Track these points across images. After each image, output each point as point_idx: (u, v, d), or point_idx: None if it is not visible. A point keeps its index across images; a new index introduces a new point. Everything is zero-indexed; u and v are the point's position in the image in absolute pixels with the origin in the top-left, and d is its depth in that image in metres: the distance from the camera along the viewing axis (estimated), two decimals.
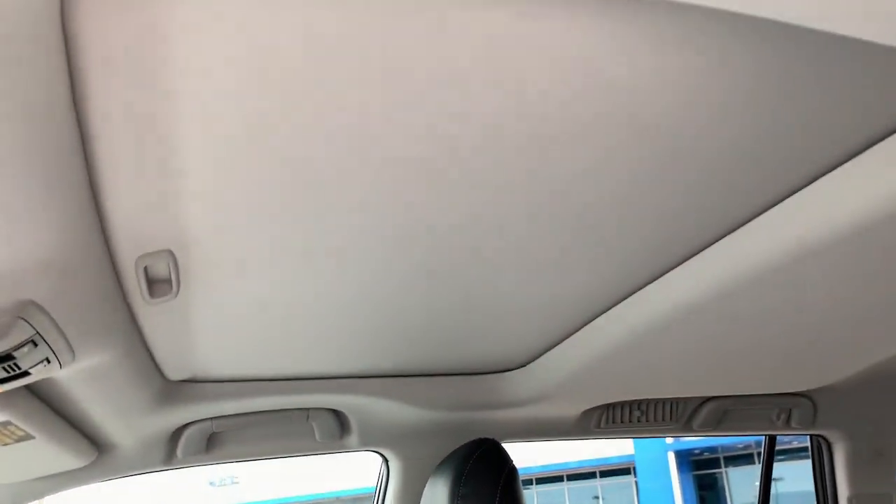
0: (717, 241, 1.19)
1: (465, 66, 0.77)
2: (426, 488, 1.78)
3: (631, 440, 20.73)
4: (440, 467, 1.76)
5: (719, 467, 21.34)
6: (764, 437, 2.47)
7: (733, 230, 1.16)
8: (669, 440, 20.91)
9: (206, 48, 0.72)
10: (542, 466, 20.77)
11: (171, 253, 1.08)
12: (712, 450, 20.77)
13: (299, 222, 1.07)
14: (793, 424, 2.24)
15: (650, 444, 20.49)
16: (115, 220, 0.97)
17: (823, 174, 1.00)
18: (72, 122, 0.77)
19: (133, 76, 0.74)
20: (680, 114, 0.87)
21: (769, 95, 0.84)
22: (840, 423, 2.29)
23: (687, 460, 21.44)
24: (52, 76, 0.69)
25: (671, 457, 21.01)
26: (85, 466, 1.75)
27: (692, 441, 21.00)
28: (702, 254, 1.23)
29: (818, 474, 2.43)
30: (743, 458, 19.91)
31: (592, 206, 1.06)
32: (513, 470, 1.69)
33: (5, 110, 0.67)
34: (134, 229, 1.00)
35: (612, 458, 21.41)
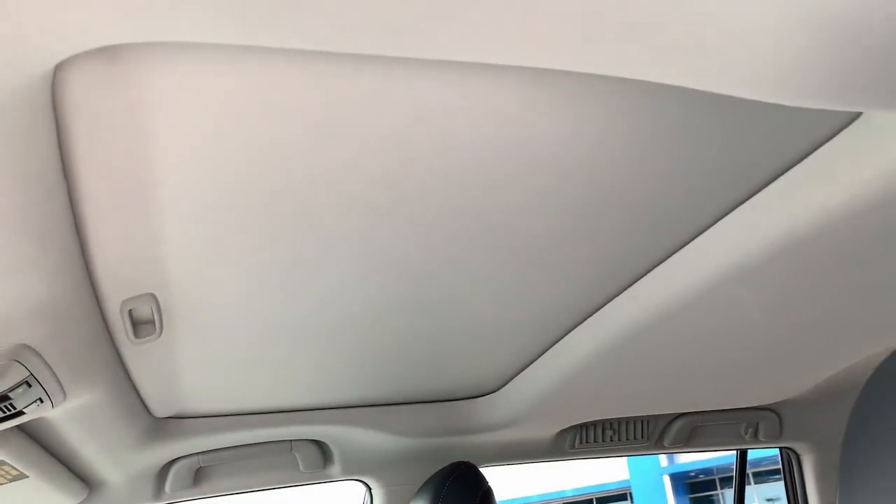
0: (655, 266, 1.30)
1: (405, 126, 0.88)
2: None
3: (626, 465, 20.71)
4: (419, 492, 1.83)
5: (715, 489, 21.29)
6: (735, 452, 2.55)
7: (669, 256, 1.26)
8: (664, 463, 20.89)
9: (179, 118, 0.82)
10: (539, 496, 20.66)
11: (153, 296, 1.17)
12: (707, 471, 20.76)
13: (273, 265, 1.16)
14: (760, 438, 2.32)
15: (646, 468, 20.46)
16: (100, 267, 1.06)
17: (746, 199, 1.11)
18: (61, 182, 0.86)
19: (116, 143, 0.84)
20: (598, 160, 0.98)
21: (676, 139, 0.95)
22: (806, 436, 2.37)
23: (682, 483, 21.40)
24: (43, 143, 0.79)
25: (667, 480, 20.97)
26: None
27: (687, 463, 20.98)
28: (644, 278, 1.33)
29: (789, 487, 2.52)
30: None
31: (537, 237, 1.16)
32: (488, 491, 1.77)
33: (2, 172, 0.77)
34: (118, 275, 1.09)
35: (608, 484, 21.34)
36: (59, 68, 0.71)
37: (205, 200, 0.97)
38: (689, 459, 20.62)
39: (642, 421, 2.20)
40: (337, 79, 0.79)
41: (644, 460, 20.50)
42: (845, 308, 1.40)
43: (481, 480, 1.78)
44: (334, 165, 0.93)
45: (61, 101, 0.76)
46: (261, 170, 0.93)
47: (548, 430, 2.11)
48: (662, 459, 20.79)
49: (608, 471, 20.89)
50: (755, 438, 2.33)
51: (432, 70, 0.79)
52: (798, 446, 2.44)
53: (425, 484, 1.84)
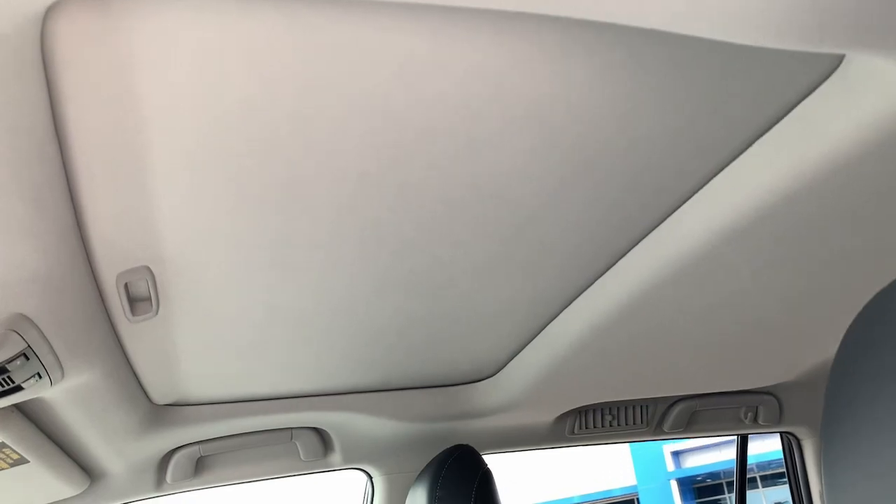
0: (643, 237, 1.31)
1: (386, 83, 0.89)
2: (407, 498, 1.86)
3: (633, 471, 20.64)
4: (419, 476, 1.84)
5: (723, 493, 21.21)
6: (736, 440, 2.55)
7: (657, 224, 1.27)
8: (671, 468, 20.83)
9: (168, 74, 0.84)
10: (546, 503, 20.58)
11: (148, 270, 1.18)
12: (714, 476, 20.69)
13: (264, 238, 1.18)
14: (760, 422, 2.33)
15: (652, 473, 20.40)
16: (95, 236, 1.07)
17: (737, 156, 1.11)
18: (52, 140, 0.87)
19: (105, 101, 0.85)
20: (582, 118, 0.99)
21: (660, 96, 0.97)
22: (805, 420, 2.38)
23: (690, 488, 21.33)
24: (33, 96, 0.80)
25: (674, 485, 20.90)
26: (79, 495, 1.82)
27: (694, 468, 20.91)
28: (634, 249, 1.34)
29: (791, 472, 2.52)
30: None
31: (524, 206, 1.17)
32: (487, 472, 1.78)
33: None
34: (113, 246, 1.11)
35: (615, 490, 21.27)
36: (48, 17, 0.73)
37: (195, 166, 0.98)
38: (696, 464, 20.55)
39: (641, 405, 2.21)
40: (320, 31, 0.81)
41: (650, 465, 20.44)
42: (839, 275, 1.40)
43: (480, 462, 1.79)
44: (321, 127, 0.95)
45: (50, 53, 0.77)
46: (249, 132, 0.94)
47: (547, 415, 2.12)
48: (669, 464, 20.73)
49: (615, 476, 20.83)
50: (755, 423, 2.34)
51: (411, 20, 0.81)
52: (798, 431, 2.44)
53: (425, 468, 1.85)
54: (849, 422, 0.73)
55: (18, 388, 1.16)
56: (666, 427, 2.26)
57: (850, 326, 0.79)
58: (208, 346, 1.50)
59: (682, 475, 20.78)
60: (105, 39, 0.77)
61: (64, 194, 0.96)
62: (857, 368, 0.74)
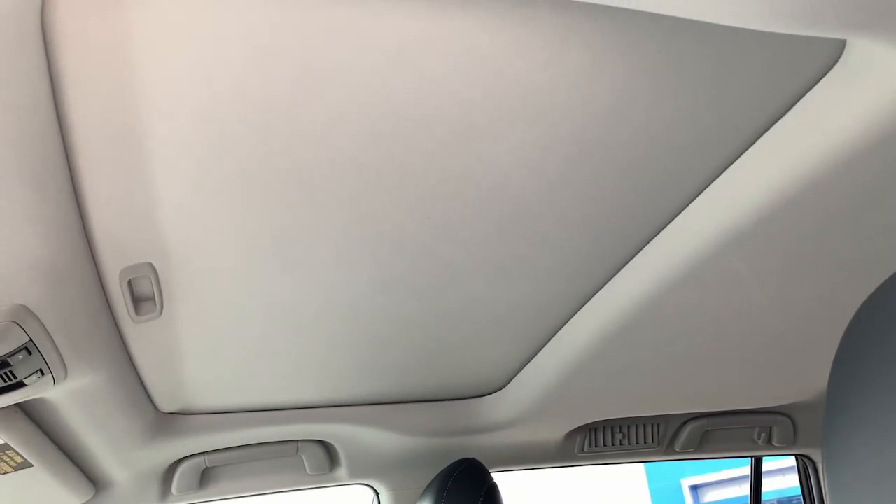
0: (647, 241, 1.29)
1: (383, 68, 0.89)
2: None
3: None
4: (425, 490, 1.82)
5: None
6: (750, 463, 2.50)
7: (663, 226, 1.25)
8: (689, 502, 20.37)
9: (166, 57, 0.85)
10: None
11: (151, 267, 1.18)
12: None
13: (269, 235, 1.17)
14: (774, 444, 2.28)
15: None
16: (98, 229, 1.08)
17: (742, 152, 1.09)
18: (54, 125, 0.88)
19: (106, 83, 0.86)
20: (580, 108, 0.98)
21: (660, 87, 0.96)
22: (821, 442, 2.32)
23: None
24: (34, 81, 0.80)
25: None
26: None
27: (713, 503, 20.44)
28: (640, 253, 1.32)
29: (806, 495, 2.46)
30: None
31: (524, 202, 1.16)
32: (493, 487, 1.75)
33: None
34: (115, 239, 1.11)
35: None
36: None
37: (193, 152, 0.98)
38: (715, 498, 20.11)
39: (652, 424, 2.17)
40: (315, 11, 0.81)
41: (669, 500, 20.03)
42: (853, 282, 1.37)
43: (485, 476, 1.77)
44: (318, 113, 0.95)
45: (50, 30, 0.78)
46: (247, 119, 0.94)
47: (556, 432, 2.08)
48: (687, 498, 20.31)
49: None
50: (769, 444, 2.29)
51: (408, 3, 0.81)
52: (814, 454, 2.38)
53: (430, 482, 1.82)
54: (848, 437, 0.72)
55: (21, 385, 1.16)
56: (677, 447, 2.22)
57: (842, 339, 0.77)
58: (213, 350, 1.50)
59: None
60: (103, 16, 0.78)
61: (66, 179, 0.96)
62: (851, 379, 0.73)
